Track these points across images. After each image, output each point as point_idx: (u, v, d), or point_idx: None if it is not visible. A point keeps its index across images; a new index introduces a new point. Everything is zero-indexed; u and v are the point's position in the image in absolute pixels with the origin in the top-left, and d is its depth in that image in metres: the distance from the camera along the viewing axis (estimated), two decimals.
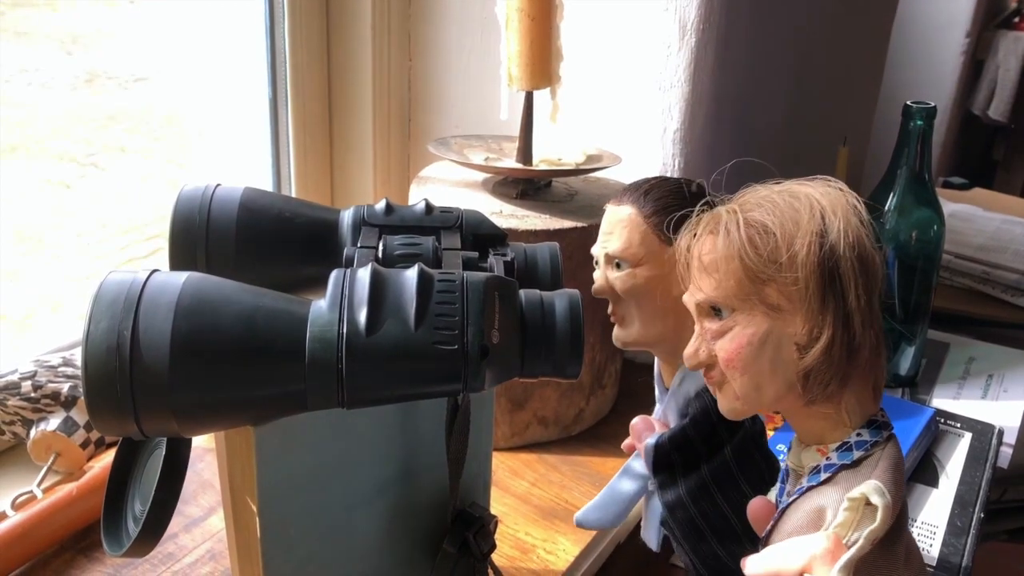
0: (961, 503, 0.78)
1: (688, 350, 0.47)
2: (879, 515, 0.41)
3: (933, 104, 0.92)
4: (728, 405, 0.47)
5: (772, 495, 0.51)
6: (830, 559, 0.40)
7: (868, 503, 0.41)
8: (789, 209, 0.44)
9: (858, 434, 0.44)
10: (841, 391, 0.44)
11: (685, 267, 0.47)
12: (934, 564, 0.70)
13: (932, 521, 0.75)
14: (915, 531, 0.74)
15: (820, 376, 0.43)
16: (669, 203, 0.55)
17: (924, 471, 0.82)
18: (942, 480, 0.81)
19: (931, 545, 0.72)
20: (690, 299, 0.47)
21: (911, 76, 1.98)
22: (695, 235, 0.46)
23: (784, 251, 0.43)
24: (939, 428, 0.88)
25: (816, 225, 0.43)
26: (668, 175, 0.91)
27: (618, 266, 0.57)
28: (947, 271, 1.23)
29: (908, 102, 0.92)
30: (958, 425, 0.89)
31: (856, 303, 0.42)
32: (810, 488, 0.45)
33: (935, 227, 0.95)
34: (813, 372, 0.43)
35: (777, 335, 0.44)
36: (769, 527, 0.47)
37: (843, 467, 0.44)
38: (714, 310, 0.45)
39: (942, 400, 0.97)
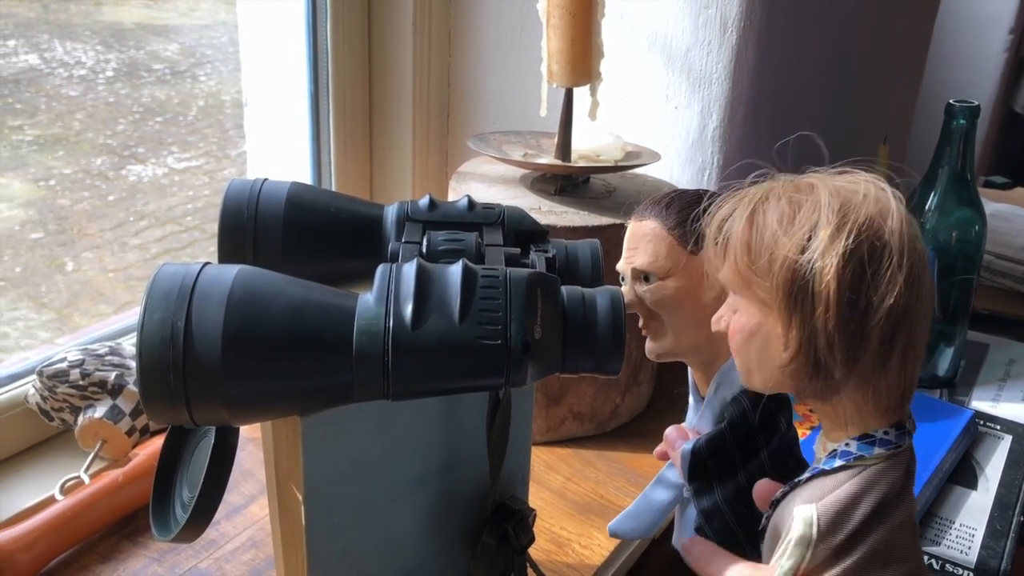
0: (1001, 506, 0.77)
1: (717, 314, 0.49)
2: (790, 548, 0.42)
3: (977, 103, 0.91)
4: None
5: None
6: None
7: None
8: (791, 215, 0.43)
9: (846, 444, 0.44)
10: (830, 396, 0.44)
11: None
12: (972, 567, 0.70)
13: (971, 524, 0.75)
14: (953, 533, 0.73)
15: (797, 379, 0.44)
16: (692, 214, 0.55)
17: (963, 473, 0.81)
18: (981, 482, 0.80)
19: (969, 548, 0.72)
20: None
21: (953, 73, 1.95)
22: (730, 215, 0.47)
23: (766, 256, 0.43)
24: (978, 430, 0.87)
25: (801, 239, 0.42)
26: (706, 174, 0.91)
27: (646, 279, 0.57)
28: (988, 272, 1.21)
29: (951, 100, 0.91)
30: (998, 427, 0.88)
31: (824, 326, 0.41)
32: (794, 486, 0.45)
33: (976, 227, 0.94)
34: (790, 374, 0.44)
35: (766, 330, 0.44)
36: (766, 516, 0.48)
37: (821, 472, 0.44)
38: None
39: (981, 402, 0.96)
